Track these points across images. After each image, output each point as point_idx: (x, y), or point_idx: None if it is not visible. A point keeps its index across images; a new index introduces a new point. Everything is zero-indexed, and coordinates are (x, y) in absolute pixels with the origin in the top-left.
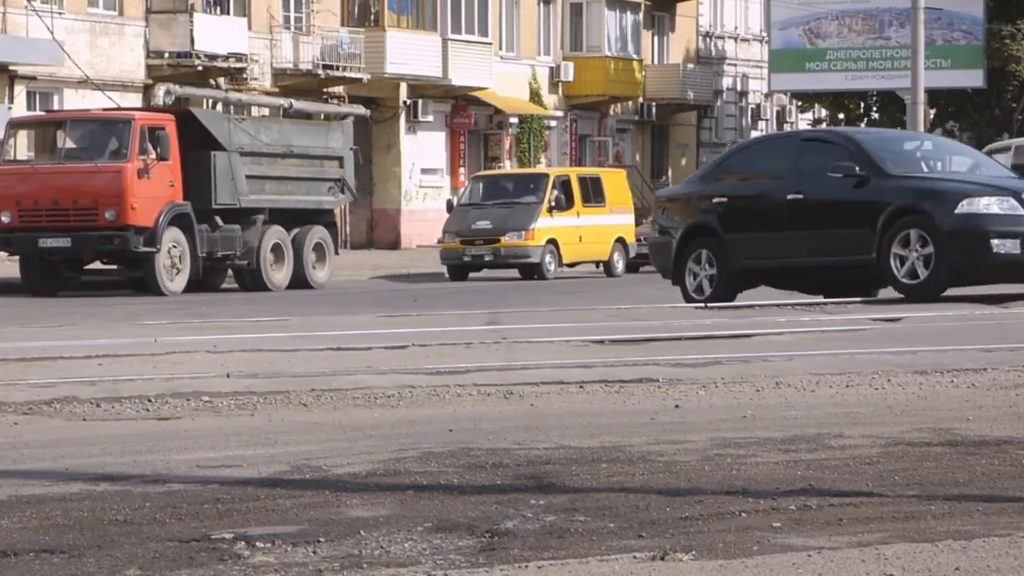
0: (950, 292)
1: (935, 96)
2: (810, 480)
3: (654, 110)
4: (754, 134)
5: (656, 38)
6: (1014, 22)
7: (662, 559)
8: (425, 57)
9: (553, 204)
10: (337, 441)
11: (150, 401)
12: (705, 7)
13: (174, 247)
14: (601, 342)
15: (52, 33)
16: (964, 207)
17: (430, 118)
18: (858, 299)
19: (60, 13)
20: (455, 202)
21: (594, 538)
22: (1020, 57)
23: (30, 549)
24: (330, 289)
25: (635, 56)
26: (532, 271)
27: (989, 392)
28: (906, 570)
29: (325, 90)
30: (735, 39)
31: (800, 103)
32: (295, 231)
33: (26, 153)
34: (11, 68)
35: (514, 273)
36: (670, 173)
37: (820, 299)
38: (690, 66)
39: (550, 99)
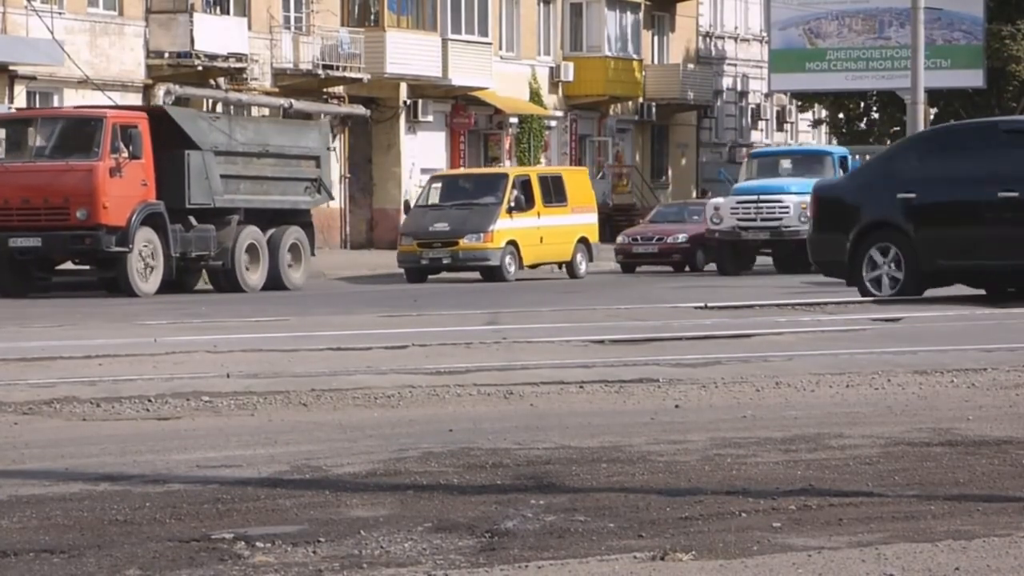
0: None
1: (935, 96)
2: (810, 480)
3: (654, 110)
4: (754, 134)
5: (656, 38)
6: (1014, 22)
7: (662, 559)
8: (425, 57)
9: (513, 205)
10: (337, 441)
11: (150, 401)
12: (705, 7)
13: (147, 247)
14: (601, 342)
15: (52, 33)
16: None
17: (430, 118)
18: (861, 299)
19: (60, 13)
20: (412, 203)
21: (594, 538)
22: (1020, 57)
23: (30, 549)
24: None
25: (635, 56)
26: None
27: (989, 392)
28: (906, 570)
29: (325, 90)
30: (735, 39)
31: (800, 103)
32: (271, 231)
33: None
34: (11, 68)
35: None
36: (670, 173)
37: (824, 300)
38: (690, 66)
39: (550, 99)
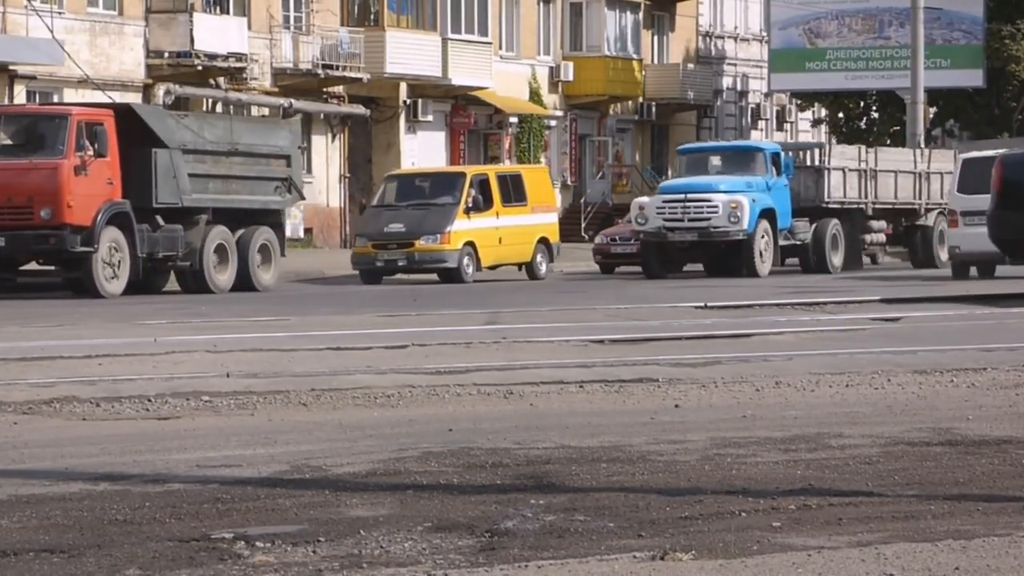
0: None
1: (935, 96)
2: (810, 480)
3: (654, 110)
4: (754, 134)
5: (656, 38)
6: (1014, 22)
7: (662, 559)
8: (425, 57)
9: (470, 205)
10: (337, 441)
11: (150, 401)
12: (705, 7)
13: (113, 247)
14: (601, 342)
15: (52, 33)
16: None
17: (430, 118)
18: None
19: (60, 13)
20: (367, 203)
21: (594, 538)
22: (1020, 57)
23: (30, 549)
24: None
25: (635, 56)
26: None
27: (989, 392)
28: (906, 570)
29: (325, 90)
30: (735, 39)
31: (800, 103)
32: (240, 232)
33: None
34: (11, 68)
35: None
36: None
37: (824, 300)
38: (690, 66)
39: (550, 99)
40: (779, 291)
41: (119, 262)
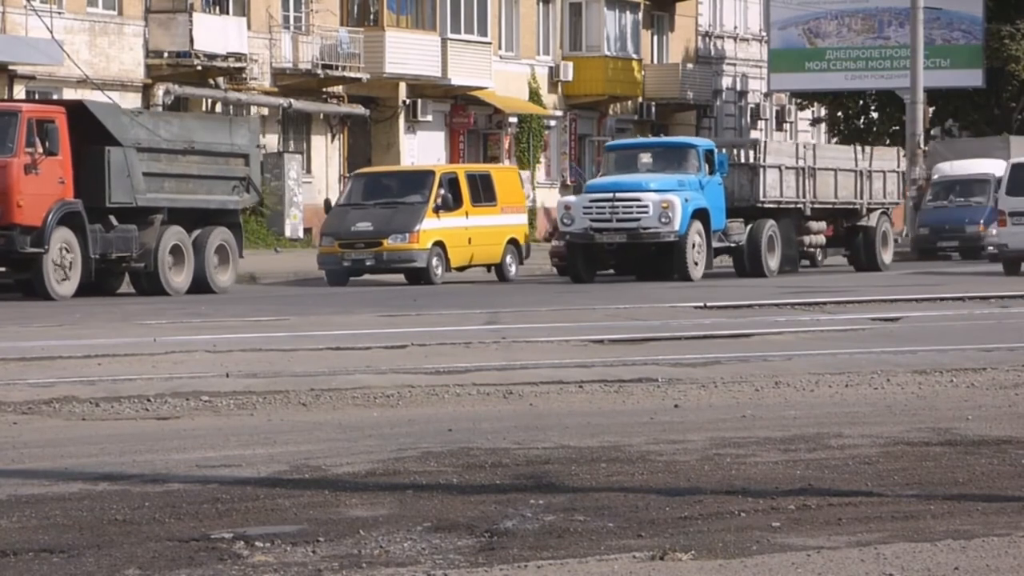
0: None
1: (934, 95)
2: (809, 480)
3: (653, 110)
4: (753, 134)
5: (655, 38)
6: (1013, 22)
7: (662, 559)
8: (424, 57)
9: (439, 204)
10: (336, 441)
11: (149, 401)
12: (704, 7)
13: (64, 248)
14: (600, 342)
15: (51, 33)
16: None
17: (429, 118)
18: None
19: (59, 13)
20: (332, 202)
21: (594, 538)
22: (1019, 57)
23: (30, 549)
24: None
25: (634, 56)
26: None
27: (989, 392)
28: (905, 570)
29: (324, 90)
30: (734, 39)
31: (799, 102)
32: (196, 232)
33: None
34: (11, 68)
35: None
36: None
37: (823, 300)
38: (689, 66)
39: (549, 99)
40: (779, 291)
41: (70, 263)
